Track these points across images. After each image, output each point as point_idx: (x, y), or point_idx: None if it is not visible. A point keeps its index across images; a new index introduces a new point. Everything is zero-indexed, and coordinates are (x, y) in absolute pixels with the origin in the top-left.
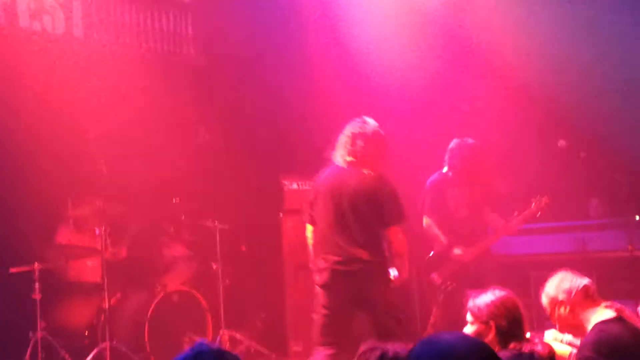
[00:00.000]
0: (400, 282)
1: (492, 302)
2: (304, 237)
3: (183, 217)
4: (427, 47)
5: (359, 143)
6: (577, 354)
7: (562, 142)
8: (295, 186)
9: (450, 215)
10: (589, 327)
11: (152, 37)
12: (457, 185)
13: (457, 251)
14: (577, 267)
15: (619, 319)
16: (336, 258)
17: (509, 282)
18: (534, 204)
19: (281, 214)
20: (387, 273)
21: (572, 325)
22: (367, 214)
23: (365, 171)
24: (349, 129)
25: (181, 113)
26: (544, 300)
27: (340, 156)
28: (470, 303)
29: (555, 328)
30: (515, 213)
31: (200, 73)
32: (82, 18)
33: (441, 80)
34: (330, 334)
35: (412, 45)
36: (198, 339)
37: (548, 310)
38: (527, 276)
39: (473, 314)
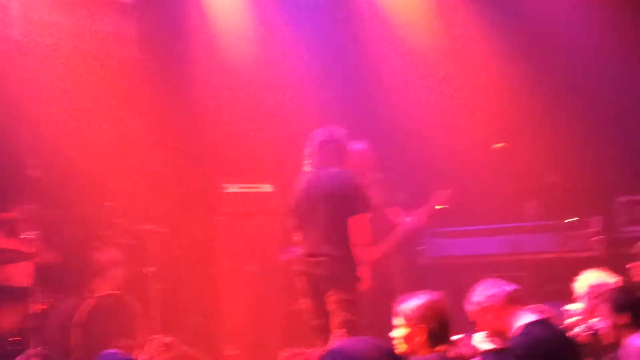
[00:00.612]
0: (364, 275)
1: (422, 305)
2: (242, 241)
3: (117, 221)
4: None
5: (329, 148)
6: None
7: (498, 145)
8: (234, 189)
9: None
10: (512, 331)
11: (94, 38)
12: None
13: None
14: (511, 268)
15: (542, 321)
16: (308, 252)
17: (444, 284)
18: (437, 197)
19: (219, 217)
20: (354, 268)
21: (497, 330)
22: (338, 211)
23: (334, 171)
24: (318, 138)
25: (120, 115)
26: (471, 304)
27: (312, 162)
28: (400, 306)
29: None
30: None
31: (141, 74)
32: (20, 19)
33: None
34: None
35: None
36: (129, 344)
37: (474, 315)
38: (461, 278)
39: (403, 317)
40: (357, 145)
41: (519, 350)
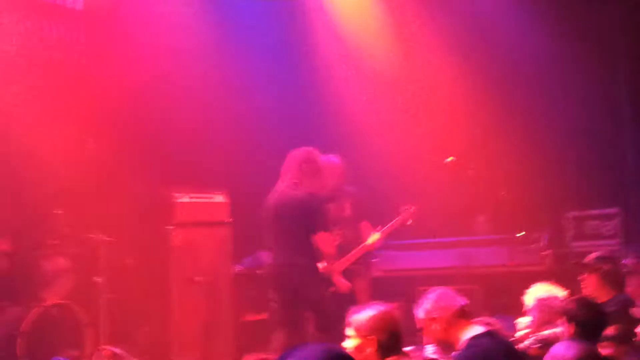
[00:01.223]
0: (336, 281)
1: (373, 316)
2: (193, 251)
3: (66, 229)
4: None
5: (304, 168)
6: None
7: (450, 159)
8: (186, 199)
9: None
10: (460, 343)
11: (40, 44)
12: (328, 200)
13: (321, 265)
14: (462, 281)
15: (488, 333)
16: (277, 262)
17: (396, 297)
18: (402, 213)
19: (170, 227)
20: (317, 274)
21: (443, 341)
22: (299, 225)
23: (301, 194)
24: (297, 157)
25: (68, 122)
26: (420, 313)
27: (285, 180)
28: (352, 317)
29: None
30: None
31: (90, 81)
32: None
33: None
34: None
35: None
36: (77, 355)
37: (422, 324)
38: (413, 290)
39: (354, 328)
40: (332, 158)
41: None
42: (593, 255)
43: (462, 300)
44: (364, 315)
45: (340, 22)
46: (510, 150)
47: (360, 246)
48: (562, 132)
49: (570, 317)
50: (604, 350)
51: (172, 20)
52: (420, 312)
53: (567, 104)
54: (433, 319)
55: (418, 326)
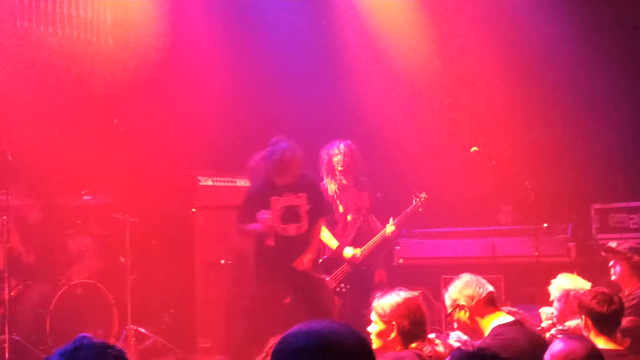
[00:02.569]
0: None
1: (396, 302)
2: (216, 234)
3: (92, 210)
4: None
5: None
6: None
7: (474, 149)
8: (209, 182)
9: (340, 218)
10: (487, 331)
11: (68, 25)
12: (345, 189)
13: (348, 251)
14: (486, 271)
15: (516, 323)
16: None
17: (419, 285)
18: (415, 200)
19: (194, 210)
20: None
21: (470, 329)
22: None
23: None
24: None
25: (95, 103)
26: (447, 300)
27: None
28: (375, 302)
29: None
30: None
31: (117, 64)
32: None
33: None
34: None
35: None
36: (103, 333)
37: (448, 310)
38: (438, 279)
39: (377, 313)
40: (350, 145)
41: (491, 351)
42: (626, 243)
43: (490, 287)
44: (387, 300)
45: (365, 12)
46: (535, 140)
47: (378, 236)
48: (588, 124)
49: (586, 311)
50: (620, 343)
51: (195, 4)
52: (446, 298)
53: (593, 95)
54: (459, 306)
55: (444, 312)
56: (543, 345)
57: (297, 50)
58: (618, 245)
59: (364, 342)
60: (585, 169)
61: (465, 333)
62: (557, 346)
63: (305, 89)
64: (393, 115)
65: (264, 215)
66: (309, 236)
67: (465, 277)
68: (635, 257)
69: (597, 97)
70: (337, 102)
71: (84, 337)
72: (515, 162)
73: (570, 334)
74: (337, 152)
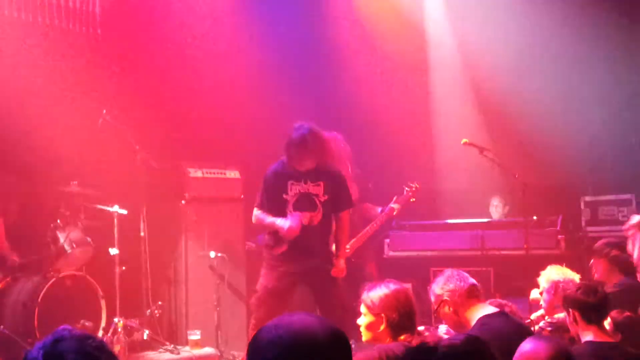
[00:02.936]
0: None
1: (385, 294)
2: (206, 225)
3: (81, 201)
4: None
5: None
6: None
7: (464, 141)
8: (199, 174)
9: None
10: (473, 323)
11: (56, 14)
12: None
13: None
14: (476, 263)
15: (501, 313)
16: None
17: (409, 277)
18: (405, 190)
19: (183, 201)
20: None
21: (456, 323)
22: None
23: None
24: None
25: (84, 93)
26: (432, 297)
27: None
28: (364, 295)
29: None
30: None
31: (106, 55)
32: None
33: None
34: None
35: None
36: (91, 326)
37: (434, 307)
38: (427, 272)
39: (366, 305)
40: (337, 137)
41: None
42: (602, 241)
43: (471, 280)
44: (376, 293)
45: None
46: (526, 132)
47: (367, 227)
48: (577, 116)
49: (572, 303)
50: (611, 336)
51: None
52: (431, 295)
53: (583, 88)
54: (444, 301)
55: (432, 308)
56: (527, 333)
57: (288, 38)
58: (595, 244)
59: (340, 335)
60: (575, 162)
61: (452, 327)
62: (524, 346)
63: (296, 78)
64: (384, 106)
65: (295, 221)
66: (326, 229)
67: (447, 273)
68: (613, 252)
69: (587, 89)
70: (328, 93)
71: (64, 329)
72: (505, 154)
73: (559, 326)
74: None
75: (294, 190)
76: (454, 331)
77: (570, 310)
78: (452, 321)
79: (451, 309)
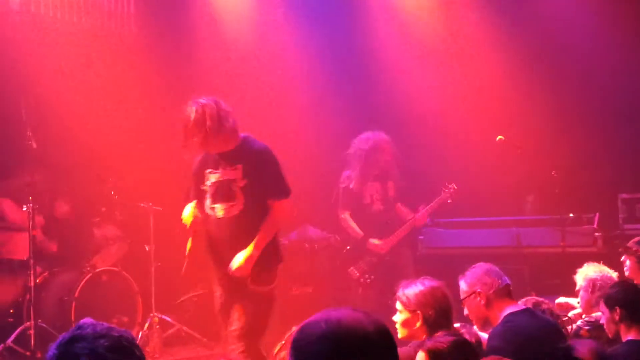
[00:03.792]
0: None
1: (421, 291)
2: None
3: (117, 197)
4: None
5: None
6: (486, 344)
7: (499, 138)
8: None
9: (365, 209)
10: (498, 321)
11: (92, 14)
12: (370, 179)
13: (373, 242)
14: (511, 261)
15: (526, 310)
16: None
17: (444, 275)
18: (443, 191)
19: None
20: None
21: (480, 317)
22: None
23: None
24: None
25: (120, 91)
26: (462, 285)
27: None
28: (400, 292)
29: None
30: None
31: (141, 52)
32: None
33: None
34: None
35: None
36: (127, 321)
37: (463, 295)
38: (461, 269)
39: (402, 303)
40: (382, 136)
41: (496, 338)
42: (636, 239)
43: (507, 279)
44: (412, 290)
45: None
46: (562, 129)
47: (405, 225)
48: (615, 113)
49: (617, 302)
50: None
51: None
52: (462, 283)
53: (621, 83)
54: (476, 293)
55: (460, 297)
56: (555, 332)
57: (327, 40)
58: (629, 243)
59: (385, 330)
60: (612, 158)
61: (474, 320)
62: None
63: (334, 78)
64: (419, 104)
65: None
66: (251, 222)
67: (485, 266)
68: None
69: (626, 85)
70: (365, 92)
71: (84, 323)
72: (541, 151)
73: (597, 325)
74: (380, 150)
75: (211, 179)
76: (475, 325)
77: (617, 308)
78: (477, 314)
79: (482, 302)
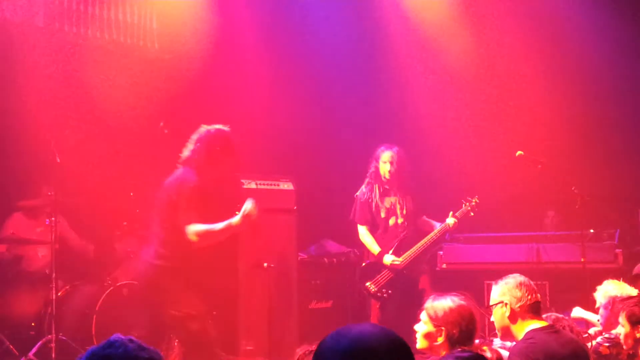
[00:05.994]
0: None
1: (450, 308)
2: (260, 237)
3: (138, 211)
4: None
5: (193, 146)
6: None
7: (519, 153)
8: (253, 185)
9: (382, 223)
10: (521, 336)
11: (115, 30)
12: (388, 193)
13: (387, 258)
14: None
15: (550, 327)
16: None
17: (463, 290)
18: (465, 204)
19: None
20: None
21: (504, 328)
22: None
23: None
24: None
25: (141, 106)
26: (494, 291)
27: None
28: (428, 303)
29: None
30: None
31: (163, 68)
32: (44, 6)
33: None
34: None
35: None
36: (146, 334)
37: (491, 302)
38: (480, 284)
39: (428, 315)
40: (398, 151)
41: (516, 354)
42: None
43: (538, 296)
44: (441, 304)
45: (414, 15)
46: (582, 144)
47: (427, 238)
48: (637, 129)
49: (638, 319)
50: None
51: (240, 8)
52: (494, 291)
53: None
54: (504, 303)
55: (487, 318)
56: (578, 350)
57: (343, 52)
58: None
59: (404, 346)
60: (633, 174)
61: (498, 329)
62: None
63: (351, 91)
64: (438, 118)
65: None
66: None
67: (520, 278)
68: None
69: None
70: (382, 104)
71: (111, 344)
72: (561, 167)
73: (617, 342)
74: (385, 162)
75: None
76: (498, 335)
77: (637, 326)
78: (500, 324)
79: (509, 312)
